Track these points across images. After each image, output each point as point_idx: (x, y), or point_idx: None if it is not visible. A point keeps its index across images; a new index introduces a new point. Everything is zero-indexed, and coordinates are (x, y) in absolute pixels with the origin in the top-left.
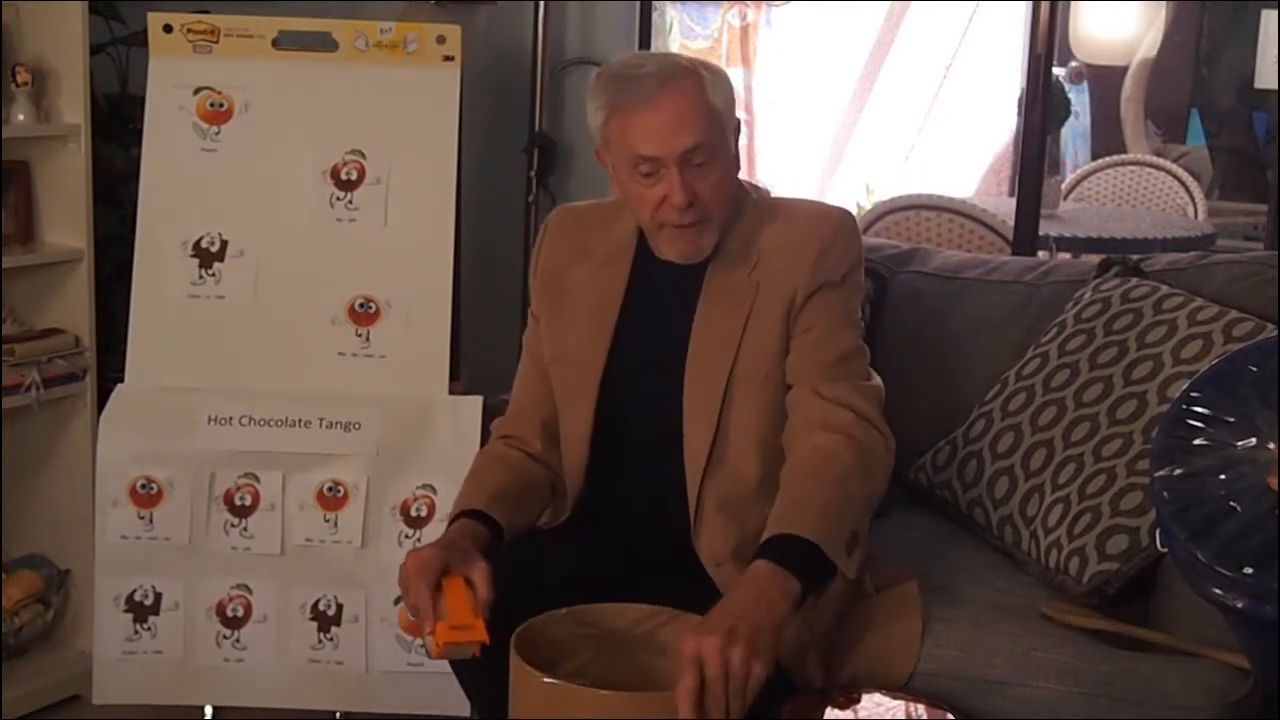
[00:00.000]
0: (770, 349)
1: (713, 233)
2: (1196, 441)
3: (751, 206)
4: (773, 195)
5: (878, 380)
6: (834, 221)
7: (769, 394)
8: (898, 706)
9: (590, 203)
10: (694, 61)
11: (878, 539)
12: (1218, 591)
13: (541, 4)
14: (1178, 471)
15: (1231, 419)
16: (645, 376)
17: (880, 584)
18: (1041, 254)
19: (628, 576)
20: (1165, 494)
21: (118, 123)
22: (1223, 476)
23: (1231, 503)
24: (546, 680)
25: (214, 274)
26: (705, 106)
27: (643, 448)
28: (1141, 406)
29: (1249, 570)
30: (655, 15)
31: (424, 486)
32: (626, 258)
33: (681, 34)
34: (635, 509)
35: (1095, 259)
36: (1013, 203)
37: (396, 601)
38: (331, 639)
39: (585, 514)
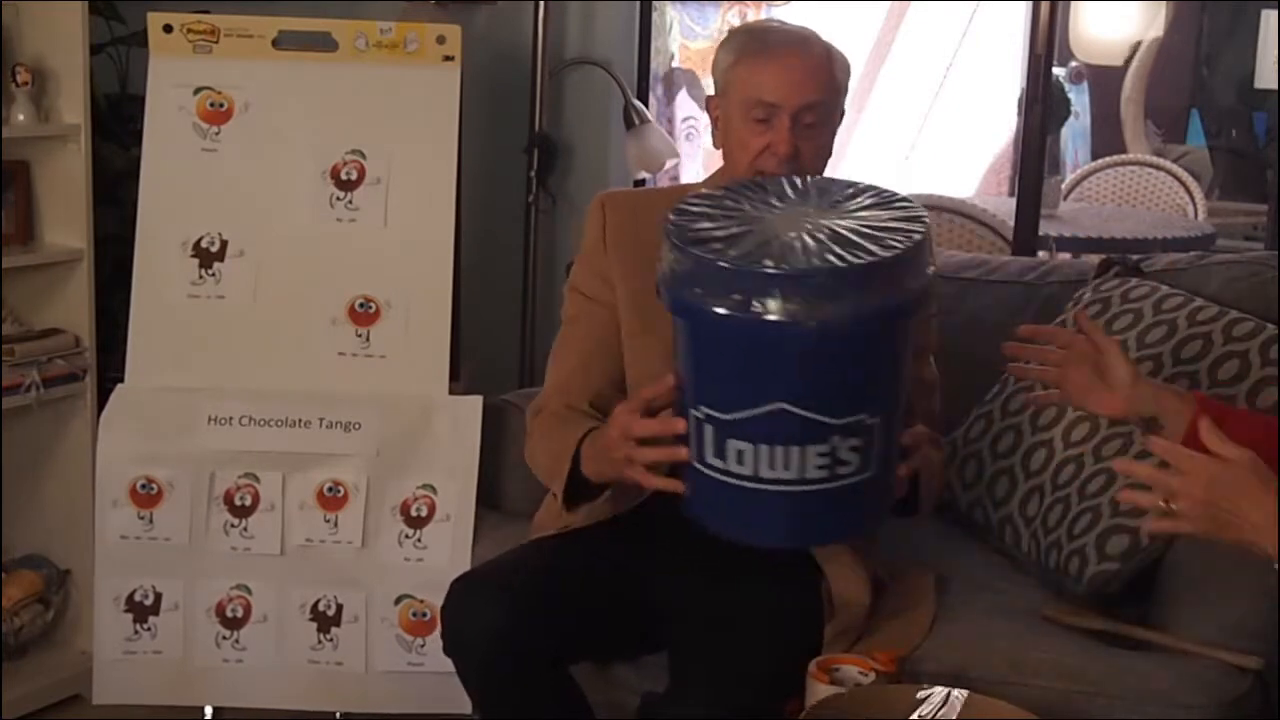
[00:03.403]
0: None
1: None
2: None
3: None
4: None
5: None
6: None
7: None
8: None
9: (635, 189)
10: (826, 39)
11: (879, 541)
12: (697, 290)
13: (541, 4)
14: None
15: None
16: None
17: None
18: (1041, 254)
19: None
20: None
21: (118, 123)
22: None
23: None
24: None
25: (214, 274)
26: (829, 73)
27: None
28: None
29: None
30: (655, 15)
31: (424, 486)
32: None
33: (681, 34)
34: None
35: (1095, 259)
36: (1013, 203)
37: (396, 601)
38: (331, 639)
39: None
